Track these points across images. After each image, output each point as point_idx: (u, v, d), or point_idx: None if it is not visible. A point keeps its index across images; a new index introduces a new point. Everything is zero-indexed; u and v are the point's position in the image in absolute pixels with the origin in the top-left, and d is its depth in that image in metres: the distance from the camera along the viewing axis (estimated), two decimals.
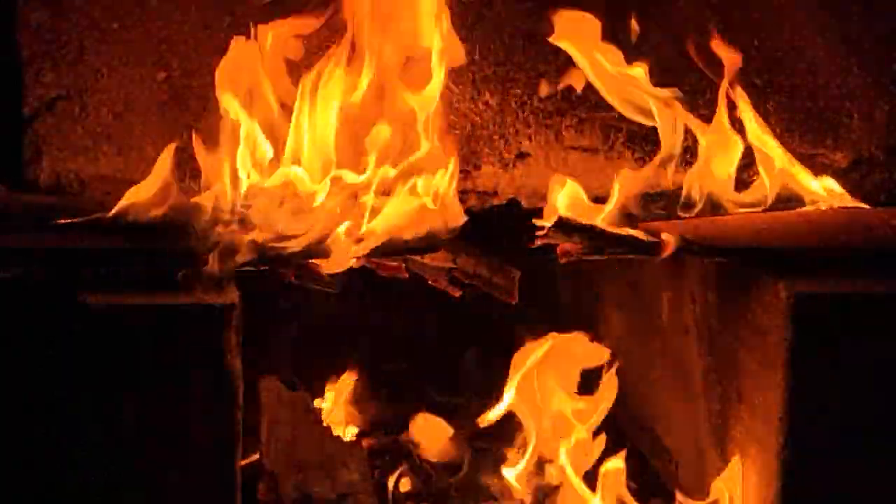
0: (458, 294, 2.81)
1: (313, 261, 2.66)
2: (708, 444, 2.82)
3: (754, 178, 2.97)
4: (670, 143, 2.89)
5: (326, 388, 3.31)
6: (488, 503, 2.92)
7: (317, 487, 2.83)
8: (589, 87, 3.10)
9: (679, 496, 2.79)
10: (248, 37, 2.84)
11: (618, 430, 3.02)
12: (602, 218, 2.75)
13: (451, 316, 3.50)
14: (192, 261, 2.56)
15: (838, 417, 2.53)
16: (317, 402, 3.21)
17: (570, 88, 3.11)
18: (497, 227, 3.15)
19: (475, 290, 2.82)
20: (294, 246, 2.62)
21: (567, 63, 3.11)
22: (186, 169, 2.89)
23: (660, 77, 2.94)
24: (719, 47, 2.95)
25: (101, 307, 2.47)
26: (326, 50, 2.87)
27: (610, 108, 2.98)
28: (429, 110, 2.78)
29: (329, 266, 2.66)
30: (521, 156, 3.14)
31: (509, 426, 3.04)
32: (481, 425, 2.91)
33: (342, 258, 2.62)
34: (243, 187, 2.79)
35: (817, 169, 3.07)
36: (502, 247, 2.88)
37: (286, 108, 2.84)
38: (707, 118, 2.95)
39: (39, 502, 2.55)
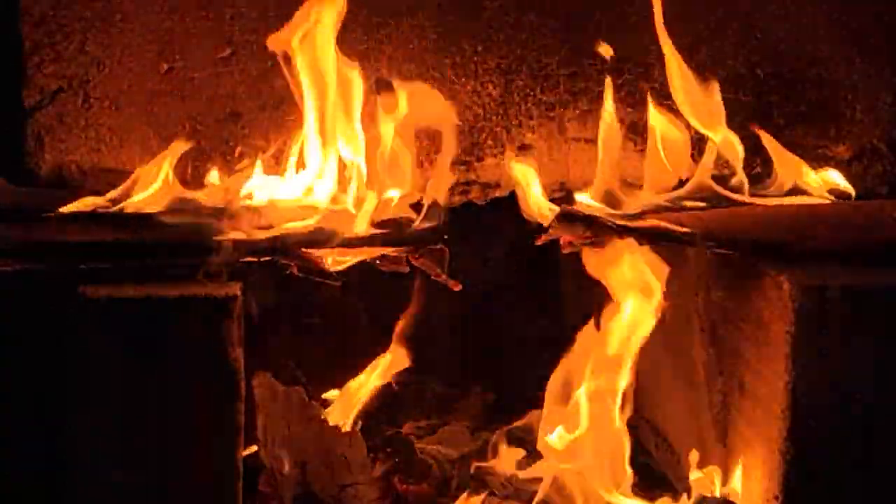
0: (458, 287, 2.80)
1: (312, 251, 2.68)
2: (710, 436, 2.82)
3: (759, 170, 2.98)
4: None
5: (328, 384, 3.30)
6: (490, 495, 2.91)
7: (317, 480, 2.83)
8: (591, 80, 3.10)
9: (680, 488, 2.79)
10: None
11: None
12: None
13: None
14: (195, 253, 2.56)
15: (840, 410, 2.53)
16: (323, 395, 3.20)
17: (573, 80, 3.11)
18: (499, 218, 3.16)
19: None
20: (294, 236, 2.63)
21: (569, 55, 3.11)
22: (188, 163, 2.90)
23: None
24: None
25: (102, 300, 2.48)
26: None
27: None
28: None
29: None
30: (524, 147, 3.14)
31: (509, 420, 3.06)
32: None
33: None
34: (244, 182, 2.79)
35: (820, 161, 3.07)
36: (504, 238, 2.87)
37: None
38: None
39: (45, 492, 2.56)
